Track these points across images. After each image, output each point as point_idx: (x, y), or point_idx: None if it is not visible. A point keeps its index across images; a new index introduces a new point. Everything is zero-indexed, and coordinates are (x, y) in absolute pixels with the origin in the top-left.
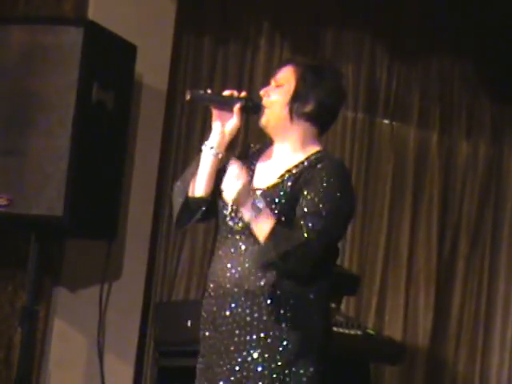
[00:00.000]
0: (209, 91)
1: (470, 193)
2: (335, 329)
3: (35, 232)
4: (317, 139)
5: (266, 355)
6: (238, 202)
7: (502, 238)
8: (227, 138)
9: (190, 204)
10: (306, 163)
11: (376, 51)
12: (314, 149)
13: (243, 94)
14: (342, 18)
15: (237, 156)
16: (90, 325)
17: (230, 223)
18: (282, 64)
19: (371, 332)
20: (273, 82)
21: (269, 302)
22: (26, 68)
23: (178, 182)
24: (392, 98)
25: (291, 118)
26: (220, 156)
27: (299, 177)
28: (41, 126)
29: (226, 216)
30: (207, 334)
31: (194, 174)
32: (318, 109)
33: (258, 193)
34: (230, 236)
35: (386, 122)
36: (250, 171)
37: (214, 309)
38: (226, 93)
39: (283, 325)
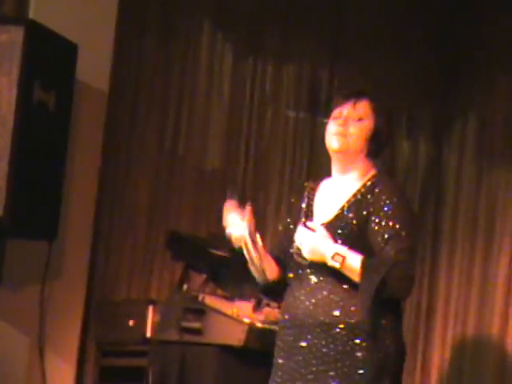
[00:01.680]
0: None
1: (412, 190)
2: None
3: None
4: (373, 165)
5: None
6: (320, 259)
7: (443, 236)
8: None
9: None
10: (363, 190)
11: (318, 51)
12: (370, 173)
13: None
14: (284, 17)
15: (292, 203)
16: (31, 325)
17: (299, 259)
18: (355, 94)
19: None
20: (350, 113)
21: (344, 332)
22: None
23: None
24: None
25: (366, 154)
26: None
27: (359, 206)
28: None
29: (292, 254)
30: (281, 361)
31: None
32: (385, 146)
33: (323, 226)
34: (300, 271)
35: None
36: (309, 210)
37: (291, 339)
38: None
39: (358, 354)
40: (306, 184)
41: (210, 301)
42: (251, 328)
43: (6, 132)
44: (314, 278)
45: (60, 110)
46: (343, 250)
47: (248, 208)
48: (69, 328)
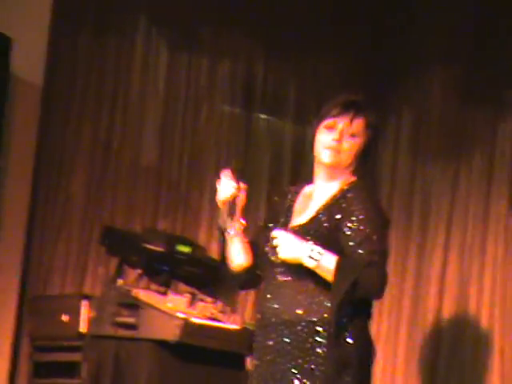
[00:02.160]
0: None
1: None
2: (211, 322)
3: None
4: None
5: (306, 381)
6: (296, 259)
7: None
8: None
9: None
10: (338, 195)
11: (253, 46)
12: (349, 180)
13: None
14: (218, 14)
15: (275, 201)
16: None
17: (272, 258)
18: (352, 109)
19: (249, 326)
20: (345, 128)
21: (306, 330)
22: None
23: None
24: (269, 93)
25: (355, 169)
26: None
27: (332, 210)
28: None
29: (267, 252)
30: (257, 363)
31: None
32: (370, 161)
33: (296, 229)
34: (271, 269)
35: (263, 116)
36: (289, 212)
37: (260, 339)
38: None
39: (318, 350)
40: (290, 188)
41: (145, 296)
42: (186, 323)
43: None
44: (280, 278)
45: None
46: (320, 249)
47: (243, 185)
48: (2, 323)
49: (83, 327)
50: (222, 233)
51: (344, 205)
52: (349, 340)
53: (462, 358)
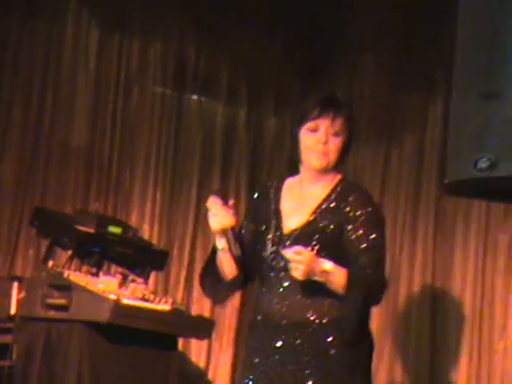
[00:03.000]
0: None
1: (278, 168)
2: (143, 303)
3: None
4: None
5: (319, 381)
6: (310, 277)
7: None
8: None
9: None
10: (333, 196)
11: (185, 27)
12: (336, 177)
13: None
14: None
15: (256, 198)
16: None
17: (273, 263)
18: (334, 108)
19: (180, 307)
20: (328, 126)
21: (316, 332)
22: None
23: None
24: (200, 75)
25: (337, 165)
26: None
27: (334, 213)
28: None
29: (267, 257)
30: (256, 360)
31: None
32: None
33: (296, 233)
34: (272, 274)
35: (195, 97)
36: (278, 211)
37: (265, 339)
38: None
39: (332, 351)
40: (269, 183)
41: (76, 277)
42: (117, 304)
43: None
44: (285, 282)
45: None
46: (329, 266)
47: (232, 202)
48: None
49: (14, 309)
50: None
51: (347, 208)
52: (360, 340)
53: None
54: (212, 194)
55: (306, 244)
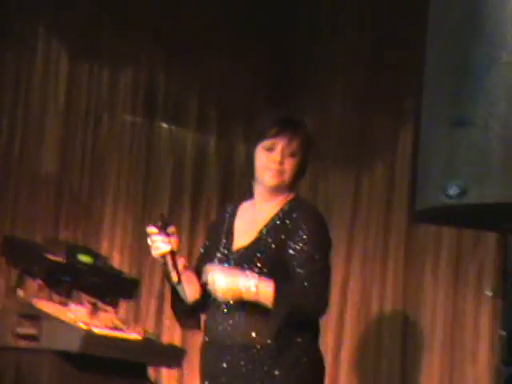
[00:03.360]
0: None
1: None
2: (114, 332)
3: None
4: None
5: None
6: (233, 297)
7: None
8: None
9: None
10: (281, 214)
11: (154, 54)
12: (288, 196)
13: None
14: (120, 20)
15: (213, 222)
16: None
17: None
18: (291, 129)
19: (151, 336)
20: (284, 146)
21: (261, 353)
22: None
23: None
24: (171, 102)
25: (293, 186)
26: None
27: (278, 230)
28: None
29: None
30: (207, 383)
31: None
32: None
33: (242, 251)
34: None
35: (165, 125)
36: (230, 232)
37: (213, 360)
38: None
39: (276, 372)
40: (227, 208)
41: (46, 306)
42: (87, 333)
43: None
44: (224, 306)
45: None
46: (255, 279)
47: (173, 228)
48: None
49: None
50: (169, 281)
51: (290, 226)
52: (304, 359)
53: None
54: (152, 222)
55: (249, 262)
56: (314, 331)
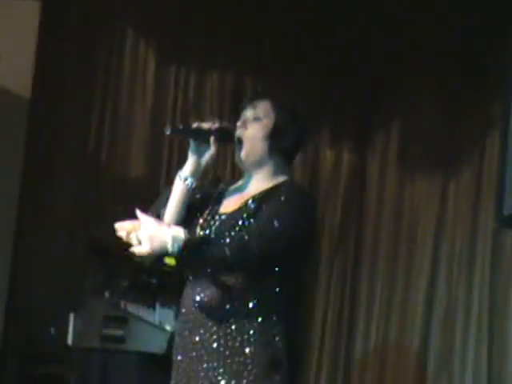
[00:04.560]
0: (181, 125)
1: (334, 199)
2: None
3: None
4: (285, 169)
5: (233, 381)
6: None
7: (365, 242)
8: (202, 168)
9: None
10: (270, 191)
11: (242, 59)
12: (282, 178)
13: (216, 124)
14: (208, 26)
15: (206, 185)
16: None
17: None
18: (256, 97)
19: None
20: (249, 114)
21: (233, 327)
22: None
23: (149, 212)
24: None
25: (270, 152)
26: (194, 186)
27: (261, 199)
28: None
29: None
30: (179, 358)
31: (165, 203)
32: (293, 144)
33: (224, 217)
34: None
35: None
36: (218, 199)
37: (186, 333)
38: (202, 125)
39: (247, 350)
40: (221, 180)
41: (132, 308)
42: (173, 336)
43: None
44: (209, 269)
45: None
46: (180, 231)
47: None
48: None
49: (70, 340)
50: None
51: (271, 198)
52: (277, 339)
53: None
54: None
55: (229, 228)
56: (291, 311)
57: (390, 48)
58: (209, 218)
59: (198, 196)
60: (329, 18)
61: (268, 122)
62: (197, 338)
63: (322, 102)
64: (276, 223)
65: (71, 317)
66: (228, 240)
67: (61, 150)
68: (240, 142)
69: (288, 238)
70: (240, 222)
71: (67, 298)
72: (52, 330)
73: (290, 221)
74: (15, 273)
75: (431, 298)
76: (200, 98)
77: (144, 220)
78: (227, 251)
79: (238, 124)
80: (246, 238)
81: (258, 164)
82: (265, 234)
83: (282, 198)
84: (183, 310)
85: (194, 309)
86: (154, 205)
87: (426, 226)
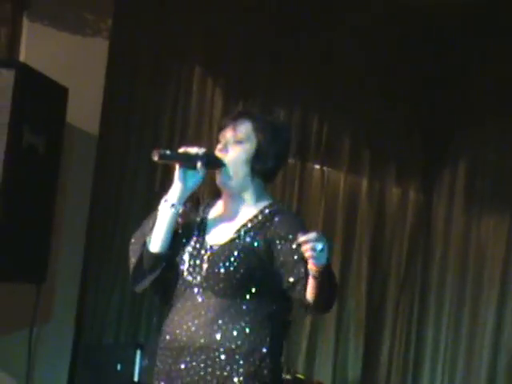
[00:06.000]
0: (168, 151)
1: (400, 238)
2: None
3: None
4: (265, 191)
5: None
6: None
7: (431, 282)
8: (188, 194)
9: (147, 261)
10: (260, 217)
11: (307, 97)
12: (266, 201)
13: (203, 150)
14: (273, 64)
15: (187, 210)
16: (19, 368)
17: (189, 278)
18: (235, 117)
19: (301, 376)
20: (230, 136)
21: (223, 357)
22: None
23: (133, 239)
24: (323, 143)
25: (252, 175)
26: (180, 211)
27: (259, 231)
28: None
29: (183, 271)
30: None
31: (151, 230)
32: (275, 165)
33: (216, 248)
34: (187, 289)
35: (317, 166)
36: (203, 226)
37: (170, 361)
38: (190, 150)
39: (235, 379)
40: (199, 199)
41: None
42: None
43: None
44: (199, 298)
45: (50, 154)
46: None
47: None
48: (57, 371)
49: (137, 376)
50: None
51: (272, 227)
52: (265, 371)
53: None
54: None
55: (224, 260)
56: (279, 345)
57: (455, 84)
58: (197, 246)
59: (180, 221)
60: (394, 52)
61: (250, 145)
62: (182, 366)
63: (388, 137)
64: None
65: (137, 353)
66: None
67: (128, 186)
68: (219, 164)
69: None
70: (236, 253)
71: (134, 335)
72: (118, 367)
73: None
74: (82, 310)
75: (497, 341)
76: None
77: None
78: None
79: (219, 147)
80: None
81: (241, 187)
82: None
83: (287, 227)
84: (167, 337)
85: (180, 336)
86: (138, 230)
87: (493, 264)
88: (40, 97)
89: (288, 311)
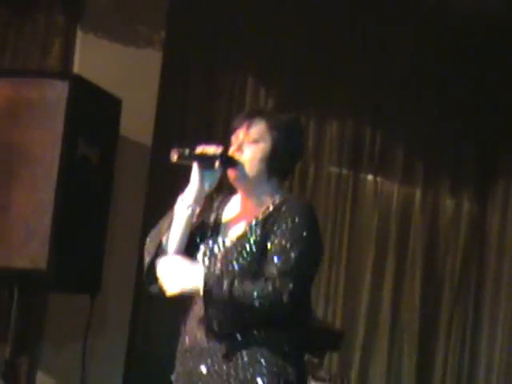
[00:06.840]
0: (187, 150)
1: (454, 249)
2: None
3: (18, 285)
4: (282, 187)
5: None
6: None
7: (485, 294)
8: (205, 194)
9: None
10: (271, 209)
11: (360, 107)
12: (280, 197)
13: (220, 149)
14: (326, 74)
15: (202, 209)
16: (72, 379)
17: None
18: (249, 116)
19: None
20: (244, 135)
21: (245, 359)
22: (11, 121)
23: (148, 239)
24: (376, 154)
25: (269, 174)
26: (197, 212)
27: (266, 222)
28: (25, 179)
29: None
30: None
31: (167, 230)
32: (291, 163)
33: (229, 244)
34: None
35: (370, 177)
36: (216, 225)
37: (191, 364)
38: (208, 149)
39: (259, 380)
40: (214, 196)
41: None
42: None
43: (50, 187)
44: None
45: (104, 165)
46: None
47: None
48: (111, 383)
49: None
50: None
51: (275, 217)
52: (289, 370)
53: None
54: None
55: (237, 256)
56: (301, 341)
57: (508, 97)
58: (211, 245)
59: (194, 220)
60: (449, 64)
61: (265, 144)
62: (203, 369)
63: (442, 151)
64: (292, 255)
65: None
66: (255, 294)
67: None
68: (236, 164)
69: (314, 258)
70: (248, 248)
71: None
72: (172, 377)
73: (306, 246)
74: (136, 319)
75: None
76: (319, 146)
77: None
78: (257, 306)
79: (233, 148)
80: (270, 289)
81: (257, 186)
82: (286, 273)
83: (289, 223)
84: (187, 339)
85: (200, 340)
86: (154, 230)
87: None
88: (94, 108)
89: (305, 309)
